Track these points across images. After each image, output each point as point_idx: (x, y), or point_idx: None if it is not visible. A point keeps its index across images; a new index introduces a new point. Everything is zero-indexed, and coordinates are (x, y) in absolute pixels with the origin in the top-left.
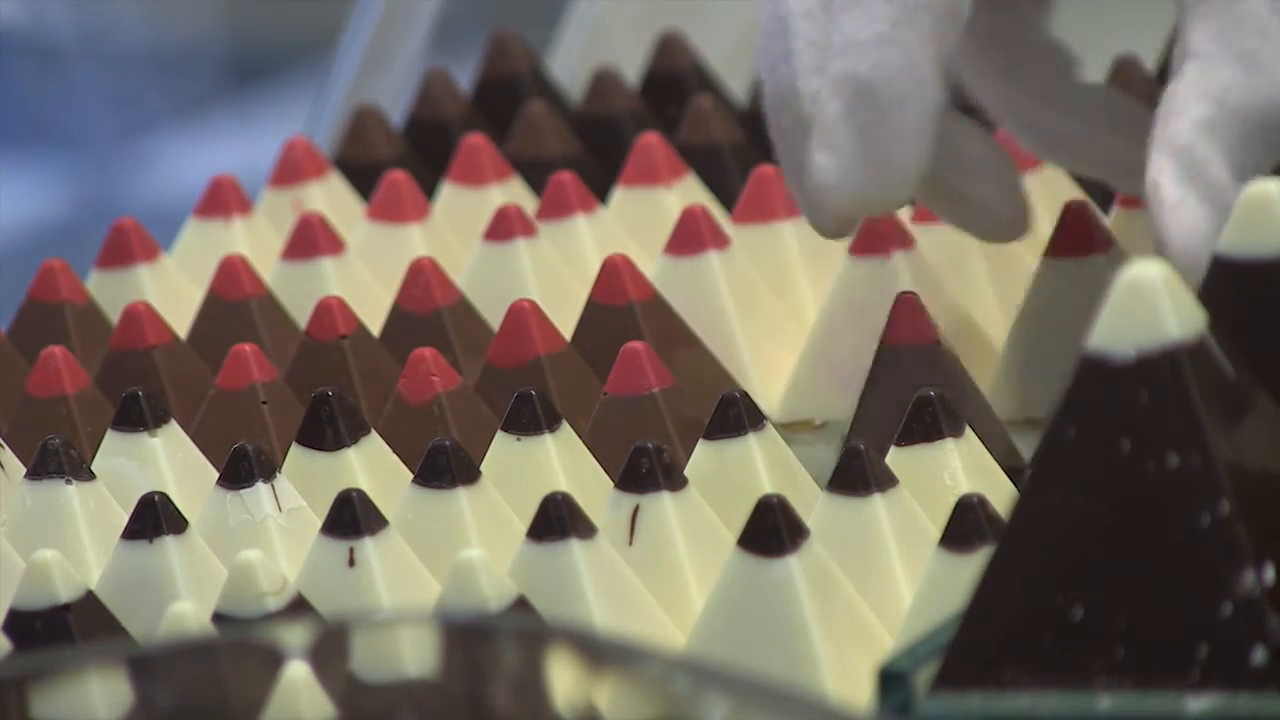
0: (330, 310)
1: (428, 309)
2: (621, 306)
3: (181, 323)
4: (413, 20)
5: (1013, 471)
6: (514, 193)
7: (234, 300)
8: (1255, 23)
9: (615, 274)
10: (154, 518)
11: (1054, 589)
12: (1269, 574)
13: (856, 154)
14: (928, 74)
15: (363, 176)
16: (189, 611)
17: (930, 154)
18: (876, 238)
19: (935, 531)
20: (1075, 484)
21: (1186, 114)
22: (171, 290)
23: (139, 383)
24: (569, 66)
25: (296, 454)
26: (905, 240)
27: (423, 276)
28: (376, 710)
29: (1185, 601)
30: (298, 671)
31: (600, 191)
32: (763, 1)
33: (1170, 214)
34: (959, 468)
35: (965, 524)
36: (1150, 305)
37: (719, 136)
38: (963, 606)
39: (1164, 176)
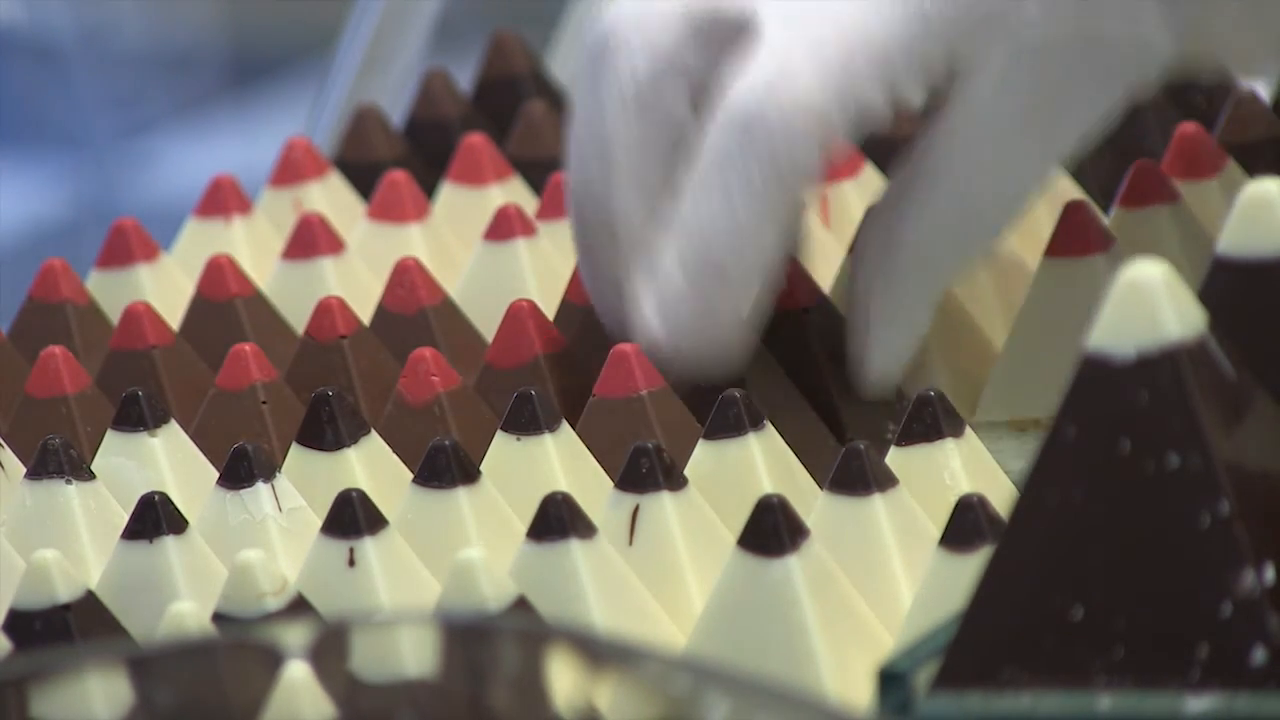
0: (330, 310)
1: (413, 309)
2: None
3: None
4: (413, 20)
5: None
6: (514, 192)
7: (219, 300)
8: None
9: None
10: (154, 518)
11: (1054, 589)
12: (1269, 574)
13: (691, 325)
14: (777, 257)
15: (363, 176)
16: (189, 611)
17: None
18: None
19: (935, 531)
20: (1075, 484)
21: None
22: (171, 290)
23: (139, 383)
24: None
25: (296, 454)
26: None
27: (408, 277)
28: (376, 710)
29: (1185, 601)
30: (298, 671)
31: None
32: (577, 103)
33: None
34: (959, 468)
35: (965, 524)
36: (1150, 305)
37: None
38: (963, 606)
39: (873, 300)
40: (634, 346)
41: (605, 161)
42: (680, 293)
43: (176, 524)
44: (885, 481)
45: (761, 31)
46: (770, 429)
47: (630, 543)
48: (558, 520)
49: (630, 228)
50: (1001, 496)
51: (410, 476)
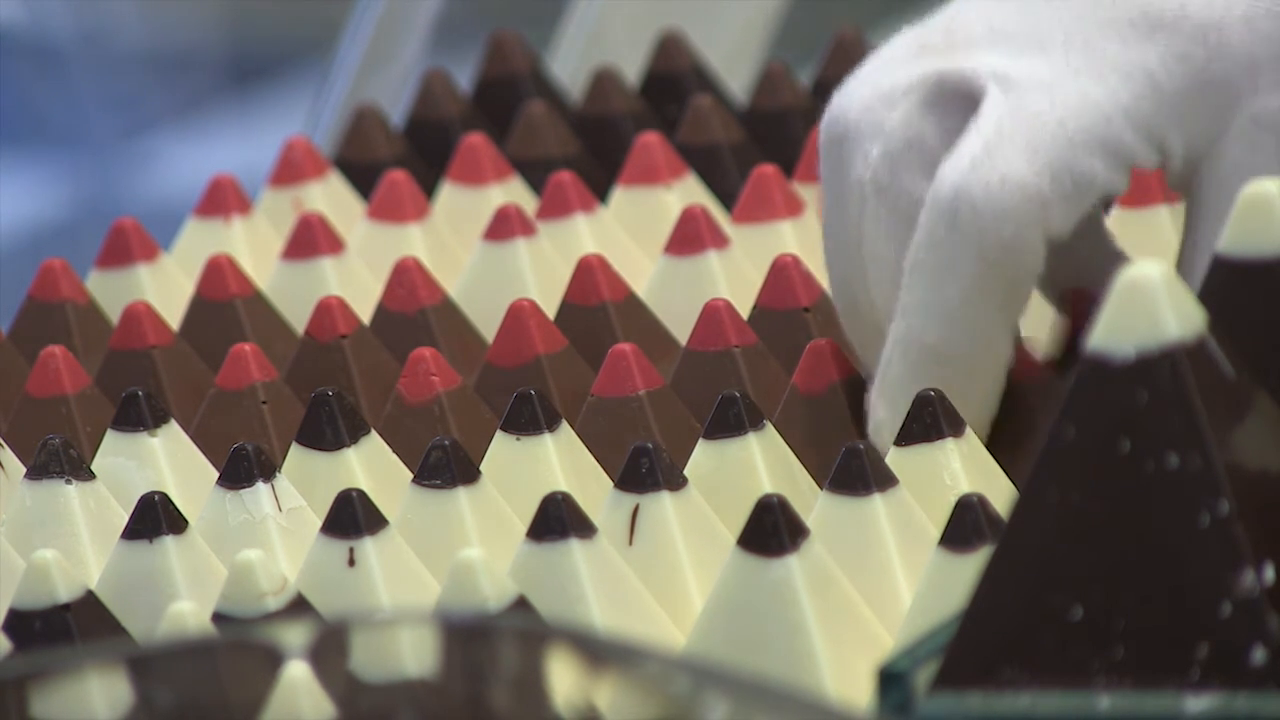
0: (330, 310)
1: (413, 309)
2: (594, 306)
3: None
4: (413, 20)
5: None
6: (514, 192)
7: (219, 300)
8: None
9: (589, 274)
10: (154, 518)
11: (1054, 589)
12: (1269, 574)
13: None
14: (999, 343)
15: (363, 176)
16: (189, 611)
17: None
18: None
19: (935, 531)
20: (1075, 484)
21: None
22: (171, 290)
23: (139, 383)
24: (569, 66)
25: (296, 454)
26: None
27: (408, 277)
28: (376, 710)
29: (1185, 601)
30: (298, 671)
31: (600, 191)
32: (824, 196)
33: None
34: (959, 468)
35: (965, 524)
36: (1150, 305)
37: (719, 136)
38: (963, 606)
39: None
40: (633, 346)
41: (857, 258)
42: (899, 378)
43: (176, 524)
44: (885, 481)
45: (981, 101)
46: (770, 429)
47: (630, 543)
48: (557, 520)
49: (888, 321)
50: (1001, 496)
51: (410, 476)
